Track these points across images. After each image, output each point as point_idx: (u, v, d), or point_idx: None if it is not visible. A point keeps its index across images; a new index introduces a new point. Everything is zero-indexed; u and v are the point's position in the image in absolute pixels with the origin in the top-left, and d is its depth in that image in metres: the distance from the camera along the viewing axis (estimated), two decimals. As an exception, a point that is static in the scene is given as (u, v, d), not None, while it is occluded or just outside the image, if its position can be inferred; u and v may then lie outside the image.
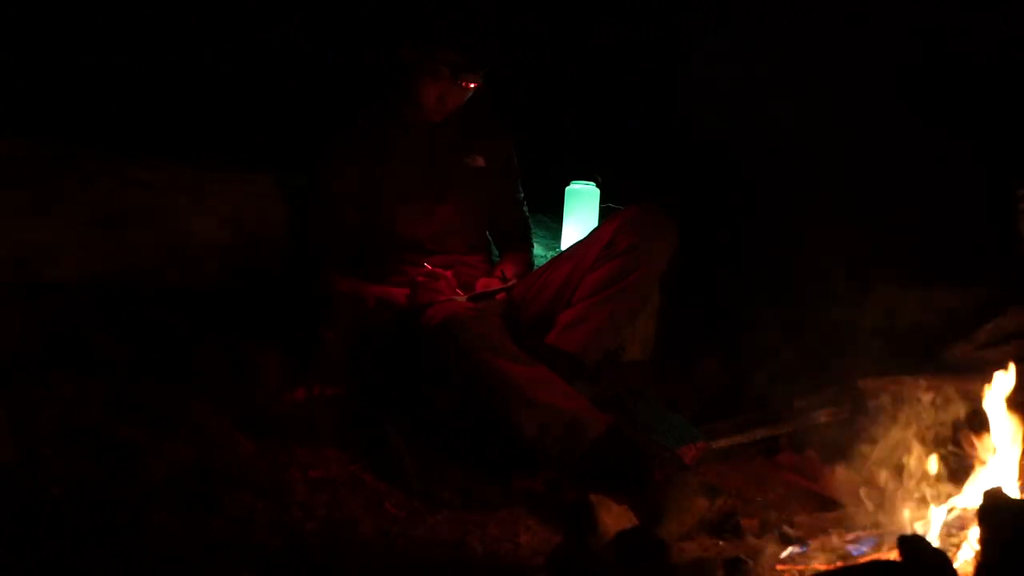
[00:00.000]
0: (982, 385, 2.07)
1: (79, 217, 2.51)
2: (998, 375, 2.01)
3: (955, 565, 1.52)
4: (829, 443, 2.57)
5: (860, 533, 2.03)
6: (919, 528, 1.95)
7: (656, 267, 2.58)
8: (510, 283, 2.73)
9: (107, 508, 1.79)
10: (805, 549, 1.99)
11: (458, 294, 2.58)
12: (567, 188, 3.35)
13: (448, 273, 2.63)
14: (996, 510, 1.53)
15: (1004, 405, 1.99)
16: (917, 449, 2.22)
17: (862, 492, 2.26)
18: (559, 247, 3.29)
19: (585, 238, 2.70)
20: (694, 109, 3.72)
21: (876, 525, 2.05)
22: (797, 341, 2.94)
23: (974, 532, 1.82)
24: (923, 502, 2.04)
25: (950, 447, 2.07)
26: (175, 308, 2.57)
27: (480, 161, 2.82)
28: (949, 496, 2.01)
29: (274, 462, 2.18)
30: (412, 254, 2.72)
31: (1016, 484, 1.96)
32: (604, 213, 3.30)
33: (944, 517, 1.95)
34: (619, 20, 4.02)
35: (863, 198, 3.38)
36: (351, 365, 2.56)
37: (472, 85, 2.64)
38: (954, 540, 1.88)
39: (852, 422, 2.62)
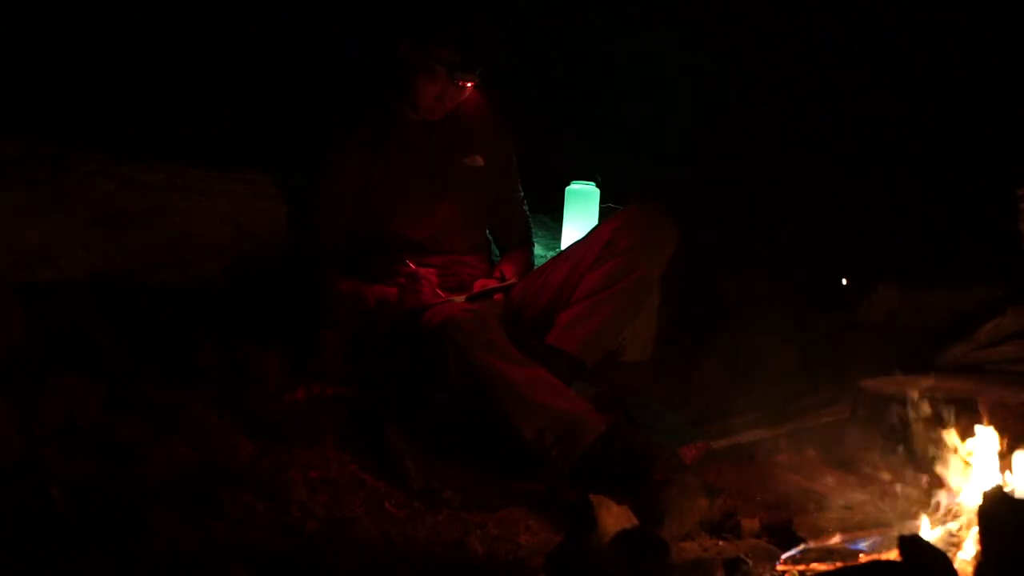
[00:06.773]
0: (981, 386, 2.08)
1: (79, 217, 2.50)
2: None
3: (955, 565, 1.51)
4: (829, 443, 2.57)
5: (860, 533, 2.03)
6: (919, 528, 1.95)
7: (656, 267, 2.58)
8: (509, 283, 2.73)
9: (107, 508, 1.78)
10: (805, 549, 1.99)
11: (439, 295, 2.58)
12: (567, 188, 3.35)
13: (429, 273, 2.62)
14: (996, 510, 1.52)
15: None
16: (917, 449, 2.22)
17: (862, 492, 2.26)
18: (559, 247, 3.29)
19: (584, 238, 2.70)
20: (696, 108, 3.73)
21: (876, 525, 2.05)
22: (796, 342, 2.94)
23: (974, 532, 1.82)
24: (923, 502, 2.05)
25: (950, 447, 2.07)
26: (175, 308, 2.58)
27: (479, 160, 2.82)
28: (949, 496, 2.01)
29: (274, 462, 2.18)
30: (411, 254, 2.71)
31: (1016, 484, 1.96)
32: (604, 213, 3.30)
33: (944, 517, 1.95)
34: (618, 19, 4.02)
35: (863, 198, 3.38)
36: (351, 365, 2.56)
37: (469, 84, 2.64)
38: (954, 540, 1.88)
39: (851, 422, 2.62)
